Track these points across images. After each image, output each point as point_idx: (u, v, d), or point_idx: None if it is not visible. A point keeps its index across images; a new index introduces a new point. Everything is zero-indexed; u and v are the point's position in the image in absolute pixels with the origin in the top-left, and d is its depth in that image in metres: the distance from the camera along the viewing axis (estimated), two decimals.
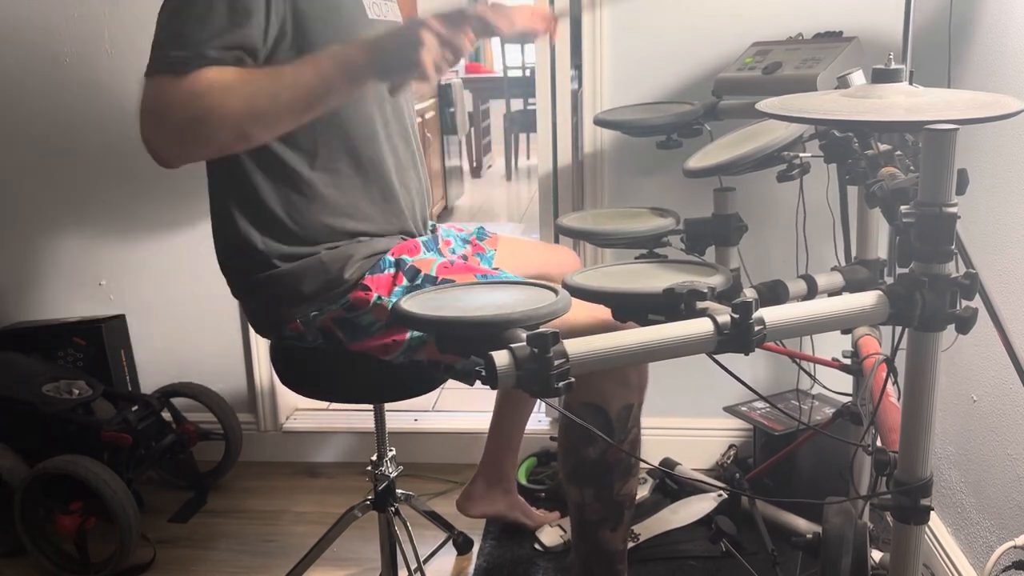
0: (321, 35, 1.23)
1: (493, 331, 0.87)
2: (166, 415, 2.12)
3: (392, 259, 1.32)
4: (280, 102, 1.13)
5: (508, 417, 1.88)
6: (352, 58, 1.13)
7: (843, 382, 1.76)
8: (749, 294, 1.22)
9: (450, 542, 1.92)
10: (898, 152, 1.19)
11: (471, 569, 1.85)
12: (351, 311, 1.30)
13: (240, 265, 1.34)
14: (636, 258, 1.45)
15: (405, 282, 1.30)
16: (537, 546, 1.88)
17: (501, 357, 0.81)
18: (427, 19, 1.11)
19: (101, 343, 2.17)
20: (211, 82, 1.11)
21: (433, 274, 1.30)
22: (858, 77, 1.33)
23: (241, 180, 1.28)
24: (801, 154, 1.45)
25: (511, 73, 6.24)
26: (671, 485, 2.06)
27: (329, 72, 1.13)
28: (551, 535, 1.89)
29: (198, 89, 1.10)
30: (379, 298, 1.28)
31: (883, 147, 1.20)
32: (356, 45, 1.14)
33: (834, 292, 1.46)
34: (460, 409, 2.43)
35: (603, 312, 1.05)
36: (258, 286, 1.32)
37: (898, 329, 1.02)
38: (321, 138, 1.28)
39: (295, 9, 1.20)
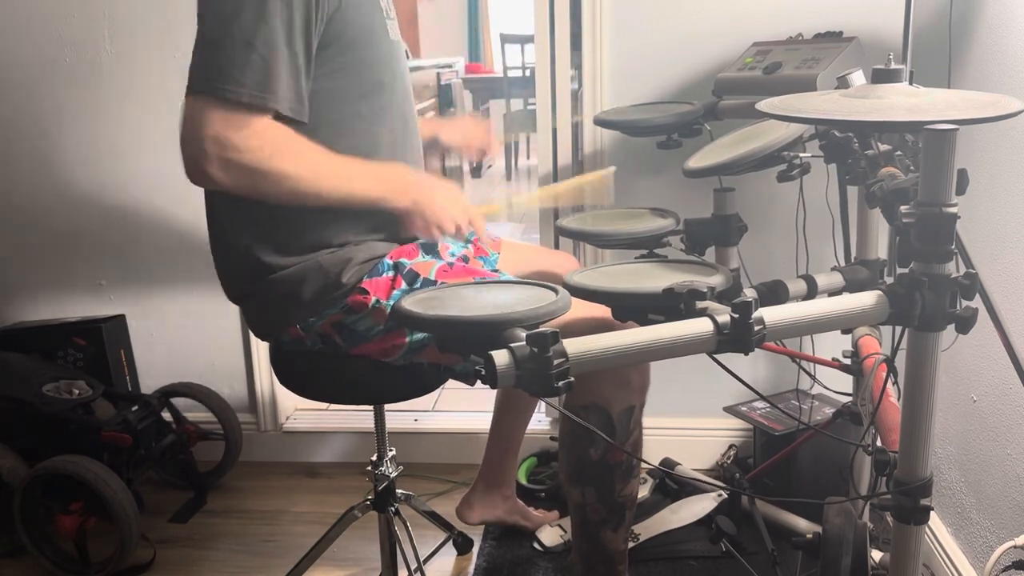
0: (353, 53, 1.25)
1: (493, 331, 0.87)
2: (166, 415, 2.12)
3: (391, 262, 1.32)
4: (333, 197, 1.23)
5: (507, 423, 1.87)
6: (396, 199, 1.27)
7: (843, 382, 1.76)
8: (749, 294, 1.22)
9: (450, 542, 1.92)
10: (898, 152, 1.19)
11: (471, 569, 1.85)
12: (350, 315, 1.29)
13: (238, 271, 1.33)
14: (636, 258, 1.45)
15: (404, 285, 1.30)
16: (537, 546, 1.88)
17: (501, 357, 0.81)
18: (463, 199, 1.31)
19: (101, 343, 2.17)
20: (289, 143, 1.17)
21: (432, 278, 1.30)
22: (858, 77, 1.33)
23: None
24: (801, 154, 1.45)
25: (511, 73, 6.24)
26: (671, 485, 2.06)
27: (387, 196, 1.27)
28: (551, 535, 1.89)
29: (279, 145, 1.16)
30: (377, 302, 1.28)
31: (883, 147, 1.20)
32: (407, 186, 1.28)
33: (834, 292, 1.47)
34: (460, 409, 2.43)
35: (603, 312, 1.05)
36: (256, 292, 1.31)
37: (898, 329, 1.02)
38: (323, 143, 1.27)
39: (337, 30, 1.22)
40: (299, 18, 1.15)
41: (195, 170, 1.16)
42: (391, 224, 1.37)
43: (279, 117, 1.17)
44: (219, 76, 1.13)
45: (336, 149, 1.25)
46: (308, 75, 1.20)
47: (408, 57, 1.45)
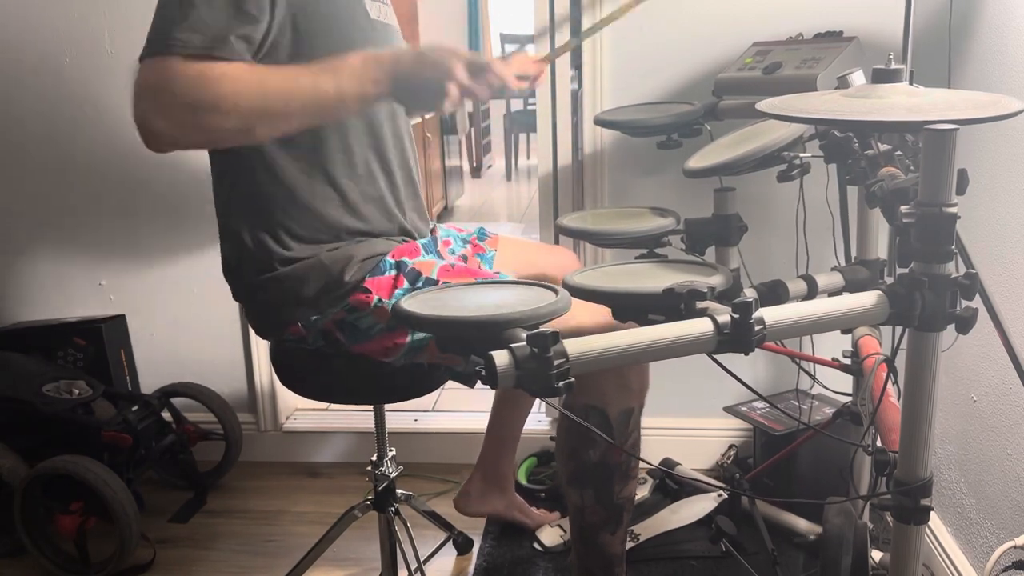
0: (322, 34, 1.23)
1: (493, 331, 0.87)
2: (166, 415, 2.12)
3: (392, 261, 1.32)
4: (292, 106, 1.13)
5: (506, 416, 1.88)
6: (375, 78, 1.13)
7: (843, 382, 1.76)
8: (749, 294, 1.22)
9: (450, 542, 1.92)
10: (898, 152, 1.19)
11: (471, 569, 1.85)
12: (352, 313, 1.30)
13: (243, 268, 1.34)
14: (636, 258, 1.45)
15: (406, 284, 1.30)
16: (537, 546, 1.88)
17: (501, 357, 0.81)
18: (454, 56, 1.12)
19: (101, 343, 2.17)
20: (224, 71, 1.10)
21: (434, 277, 1.30)
22: (858, 77, 1.33)
23: (243, 182, 1.29)
24: (801, 154, 1.45)
25: None
26: (671, 485, 2.06)
27: (348, 87, 1.13)
28: (551, 535, 1.89)
29: (211, 75, 1.09)
30: (380, 301, 1.28)
31: (883, 147, 1.20)
32: (381, 64, 1.13)
33: (834, 292, 1.46)
34: (460, 409, 2.43)
35: (603, 312, 1.05)
36: (259, 289, 1.32)
37: (898, 329, 1.02)
38: (322, 139, 1.28)
39: (297, 6, 1.20)
40: None
41: (143, 132, 1.12)
42: (392, 222, 1.37)
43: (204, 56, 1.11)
44: (156, 38, 1.11)
45: (313, 134, 1.23)
46: (258, 24, 1.15)
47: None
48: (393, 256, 1.32)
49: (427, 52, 1.15)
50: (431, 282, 1.30)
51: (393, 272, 1.31)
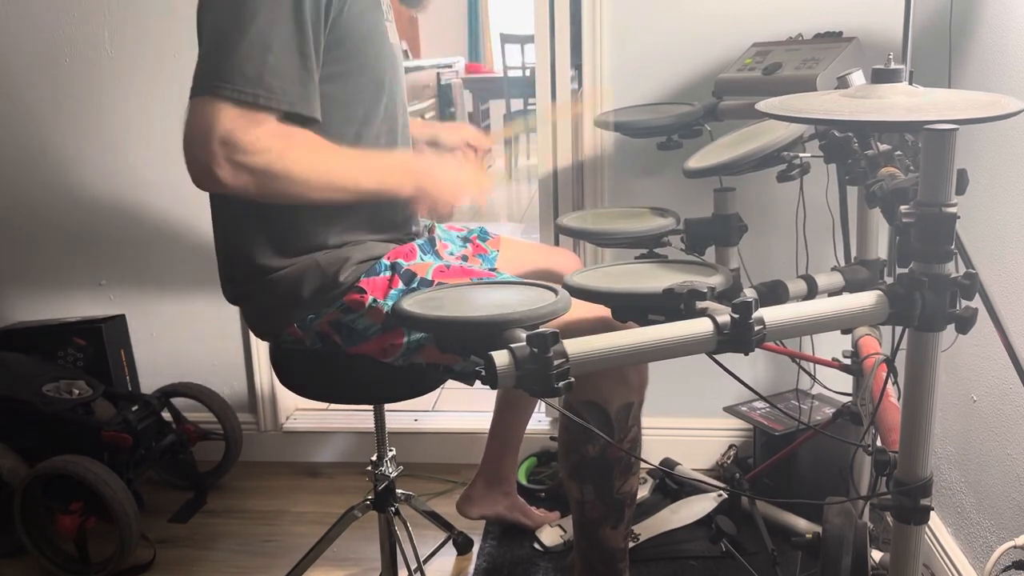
0: (355, 58, 1.25)
1: (493, 331, 0.87)
2: (166, 415, 2.12)
3: (388, 262, 1.32)
4: (343, 190, 1.22)
5: (508, 419, 1.88)
6: (402, 186, 1.28)
7: (843, 382, 1.76)
8: (749, 294, 1.22)
9: (450, 542, 1.92)
10: (898, 152, 1.19)
11: (471, 569, 1.85)
12: (347, 314, 1.30)
13: (238, 271, 1.34)
14: (636, 258, 1.45)
15: (401, 285, 1.30)
16: (537, 546, 1.88)
17: (501, 357, 0.81)
18: (469, 160, 1.35)
19: (101, 343, 2.17)
20: (303, 149, 1.16)
21: (429, 278, 1.30)
22: (858, 77, 1.33)
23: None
24: (801, 154, 1.45)
25: (511, 73, 6.24)
26: (671, 485, 2.06)
27: (387, 184, 1.26)
28: (551, 535, 1.89)
29: (292, 148, 1.15)
30: (374, 301, 1.28)
31: (883, 147, 1.20)
32: (411, 174, 1.29)
33: (834, 292, 1.47)
34: (460, 409, 2.43)
35: (603, 312, 1.05)
36: (255, 291, 1.32)
37: (898, 329, 1.02)
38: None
39: (342, 33, 1.22)
40: (309, 18, 1.15)
41: (202, 173, 1.12)
42: (389, 224, 1.37)
43: (289, 118, 1.16)
44: (229, 76, 1.10)
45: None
46: (317, 73, 1.19)
47: (408, 57, 1.46)
48: (389, 258, 1.33)
49: (453, 171, 1.36)
50: (426, 283, 1.30)
51: (388, 273, 1.31)
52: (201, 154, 1.11)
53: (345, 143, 1.25)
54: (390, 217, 1.37)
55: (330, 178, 1.20)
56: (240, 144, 1.10)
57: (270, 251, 1.29)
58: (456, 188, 1.32)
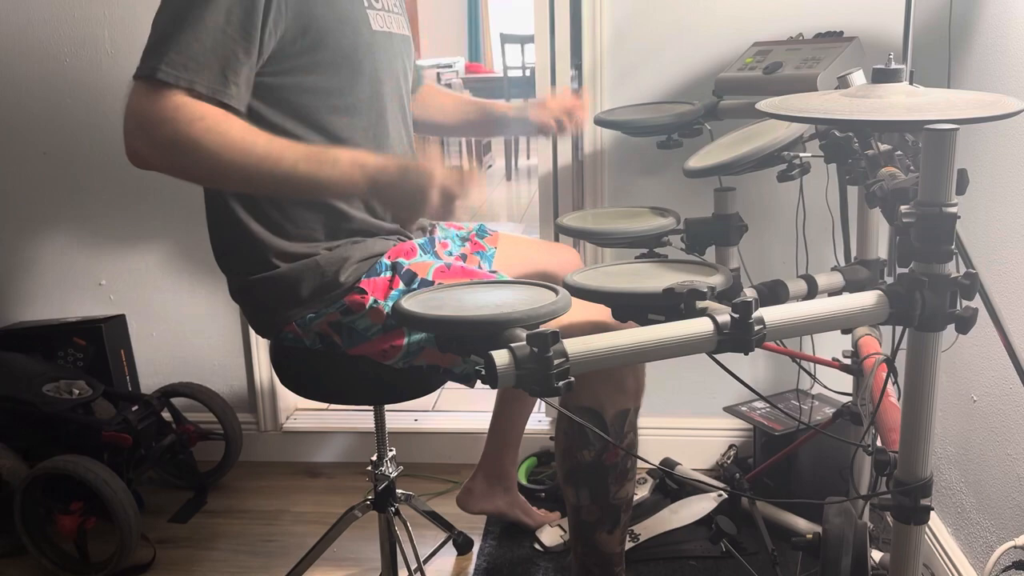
0: (323, 48, 1.24)
1: (493, 330, 0.87)
2: (166, 415, 2.12)
3: (388, 262, 1.32)
4: (264, 178, 1.16)
5: (508, 414, 1.88)
6: (354, 181, 1.17)
7: (843, 382, 1.76)
8: (749, 294, 1.22)
9: (450, 542, 1.92)
10: (898, 152, 1.19)
11: (471, 569, 1.85)
12: (347, 315, 1.29)
13: (238, 264, 1.34)
14: (636, 258, 1.45)
15: (401, 285, 1.30)
16: (537, 546, 1.88)
17: (501, 356, 0.81)
18: (436, 174, 1.17)
19: (101, 343, 2.17)
20: (215, 125, 1.13)
21: (429, 278, 1.30)
22: (858, 77, 1.34)
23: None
24: (801, 154, 1.45)
25: (511, 73, 6.25)
26: (671, 485, 2.06)
27: (328, 180, 1.17)
28: (551, 535, 1.89)
29: (202, 125, 1.12)
30: (375, 302, 1.28)
31: (883, 147, 1.20)
32: (364, 168, 1.17)
33: (834, 292, 1.47)
34: (460, 409, 2.43)
35: (603, 312, 1.05)
36: (255, 287, 1.32)
37: (898, 329, 1.02)
38: (293, 136, 1.27)
39: (298, 23, 1.21)
40: (239, 7, 1.15)
41: (128, 149, 1.16)
42: (390, 223, 1.37)
43: (205, 98, 1.15)
44: (149, 57, 1.14)
45: (308, 142, 1.24)
46: (245, 61, 1.17)
47: None
48: (389, 257, 1.32)
49: (411, 170, 1.19)
50: (426, 283, 1.30)
51: (389, 273, 1.31)
52: (125, 132, 1.15)
53: (316, 136, 1.25)
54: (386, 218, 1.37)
55: (251, 157, 1.14)
56: (146, 114, 1.13)
57: (270, 246, 1.29)
58: (420, 197, 1.18)
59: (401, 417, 2.32)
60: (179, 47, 1.12)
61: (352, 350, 1.31)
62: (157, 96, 1.12)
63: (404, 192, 1.18)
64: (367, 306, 1.28)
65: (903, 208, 0.94)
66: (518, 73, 6.28)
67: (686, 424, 2.18)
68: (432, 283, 1.29)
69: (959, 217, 0.92)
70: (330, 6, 1.25)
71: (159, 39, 1.14)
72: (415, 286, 1.29)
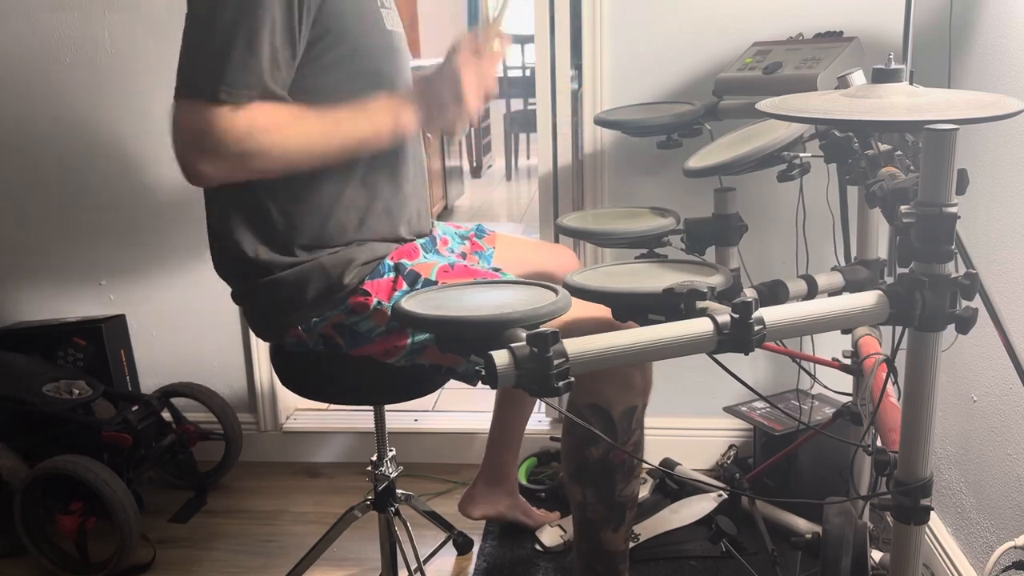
0: (346, 43, 1.25)
1: (493, 331, 0.87)
2: (166, 415, 2.12)
3: (392, 263, 1.32)
4: (332, 145, 1.22)
5: (508, 418, 1.88)
6: (402, 115, 1.25)
7: (843, 382, 1.76)
8: (749, 294, 1.22)
9: (450, 542, 1.92)
10: (898, 152, 1.19)
11: (471, 569, 1.85)
12: (351, 316, 1.29)
13: (240, 271, 1.33)
14: (636, 258, 1.45)
15: (405, 286, 1.30)
16: (537, 546, 1.88)
17: (501, 357, 0.81)
18: (461, 63, 1.22)
19: (101, 343, 2.17)
20: (270, 121, 1.16)
21: (433, 278, 1.30)
22: (858, 77, 1.33)
23: (241, 188, 1.28)
24: (801, 154, 1.45)
25: (511, 73, 6.24)
26: (671, 485, 2.06)
27: (381, 126, 1.24)
28: (551, 535, 1.89)
29: (259, 126, 1.15)
30: (379, 303, 1.28)
31: (883, 147, 1.20)
32: (405, 101, 1.26)
33: (834, 292, 1.47)
34: (460, 409, 2.43)
35: (603, 312, 1.05)
36: (258, 291, 1.31)
37: (898, 329, 1.02)
38: None
39: (323, 24, 1.22)
40: (278, 10, 1.15)
41: (188, 172, 1.18)
42: (395, 224, 1.37)
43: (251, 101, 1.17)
44: (195, 75, 1.15)
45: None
46: (291, 63, 1.20)
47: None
48: (392, 258, 1.32)
49: (438, 80, 1.27)
50: (430, 283, 1.30)
51: (392, 275, 1.31)
52: (182, 152, 1.17)
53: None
54: (392, 217, 1.37)
55: (312, 138, 1.21)
56: (207, 139, 1.14)
57: (273, 252, 1.29)
58: (460, 97, 1.24)
59: (401, 417, 2.32)
60: (236, 64, 1.13)
61: (355, 351, 1.31)
62: (209, 115, 1.14)
63: (448, 105, 1.25)
64: (371, 308, 1.28)
65: (903, 208, 0.94)
66: (518, 73, 6.27)
67: (686, 424, 2.18)
68: (436, 283, 1.29)
69: (959, 217, 0.92)
70: (351, 3, 1.26)
71: (202, 53, 1.15)
72: (419, 287, 1.29)
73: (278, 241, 1.29)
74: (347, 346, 1.31)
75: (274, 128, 1.17)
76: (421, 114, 1.27)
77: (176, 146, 1.17)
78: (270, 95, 1.17)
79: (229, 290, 1.40)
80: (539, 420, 2.27)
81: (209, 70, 1.14)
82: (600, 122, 1.85)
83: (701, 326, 0.89)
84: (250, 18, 1.14)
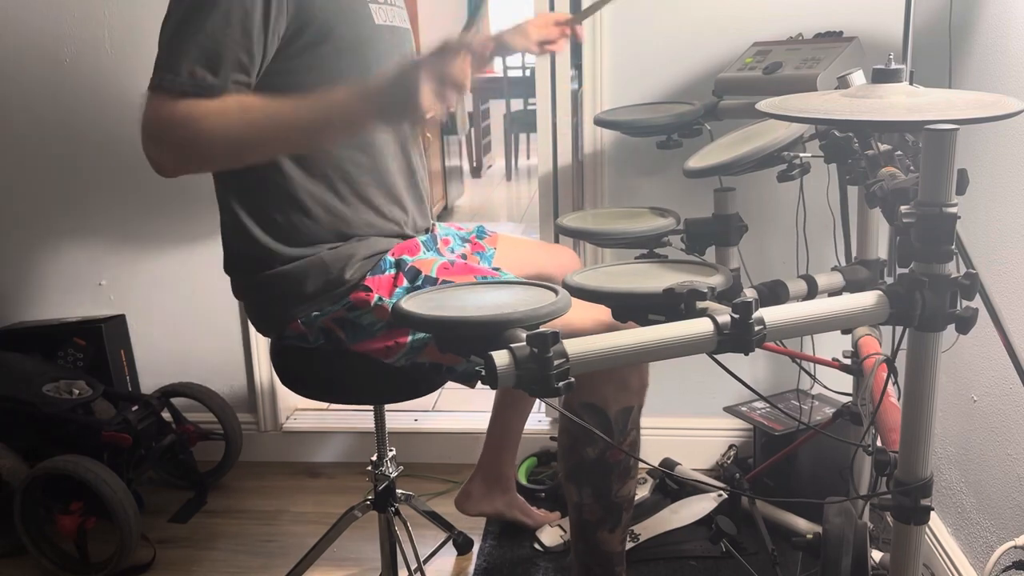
0: (326, 42, 1.24)
1: (493, 331, 0.87)
2: (166, 415, 2.12)
3: (392, 259, 1.32)
4: (277, 135, 1.17)
5: (507, 415, 1.88)
6: (351, 107, 1.14)
7: (843, 382, 1.76)
8: (749, 294, 1.22)
9: (450, 542, 1.92)
10: (898, 152, 1.19)
11: (471, 569, 1.85)
12: (352, 311, 1.30)
13: (244, 264, 1.34)
14: (636, 258, 1.45)
15: (406, 283, 1.30)
16: (537, 546, 1.88)
17: (501, 357, 0.81)
18: (421, 59, 1.11)
19: (101, 343, 2.17)
20: (210, 108, 1.14)
21: (433, 275, 1.31)
22: (858, 77, 1.33)
23: (245, 181, 1.29)
24: (801, 154, 1.45)
25: (511, 73, 6.24)
26: (671, 485, 2.06)
27: (328, 117, 1.15)
28: (551, 535, 1.89)
29: (196, 113, 1.14)
30: (380, 299, 1.28)
31: (883, 147, 1.20)
32: (355, 93, 1.14)
33: (834, 292, 1.47)
34: (460, 409, 2.43)
35: (603, 312, 1.05)
36: (260, 285, 1.32)
37: (898, 329, 1.02)
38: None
39: (300, 19, 1.21)
40: (237, 8, 1.15)
41: (150, 162, 1.17)
42: (395, 219, 1.37)
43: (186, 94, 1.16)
44: (157, 70, 1.15)
45: None
46: (249, 61, 1.18)
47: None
48: (393, 254, 1.33)
49: (396, 67, 1.14)
50: (430, 280, 1.30)
51: (393, 271, 1.31)
52: (143, 145, 1.16)
53: None
54: (392, 216, 1.37)
55: (252, 127, 1.15)
56: (151, 128, 1.15)
57: (276, 246, 1.29)
58: (427, 82, 1.09)
59: (401, 417, 2.32)
60: (183, 55, 1.14)
61: (355, 346, 1.31)
62: (163, 106, 1.14)
63: (400, 96, 1.11)
64: (372, 303, 1.29)
65: (903, 208, 0.94)
66: (518, 73, 6.27)
67: (686, 424, 2.18)
68: (436, 280, 1.30)
69: (959, 217, 0.92)
70: (332, 0, 1.25)
71: (164, 50, 1.16)
72: (419, 283, 1.30)
73: (279, 236, 1.29)
74: (348, 340, 1.31)
75: (213, 114, 1.14)
76: (373, 112, 1.15)
77: (141, 139, 1.17)
78: (217, 84, 1.15)
79: (229, 290, 1.40)
80: (539, 420, 2.27)
81: (159, 59, 1.15)
82: (600, 122, 1.85)
83: (701, 326, 0.89)
84: (201, 8, 1.14)
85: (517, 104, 6.26)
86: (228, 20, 1.15)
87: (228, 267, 1.38)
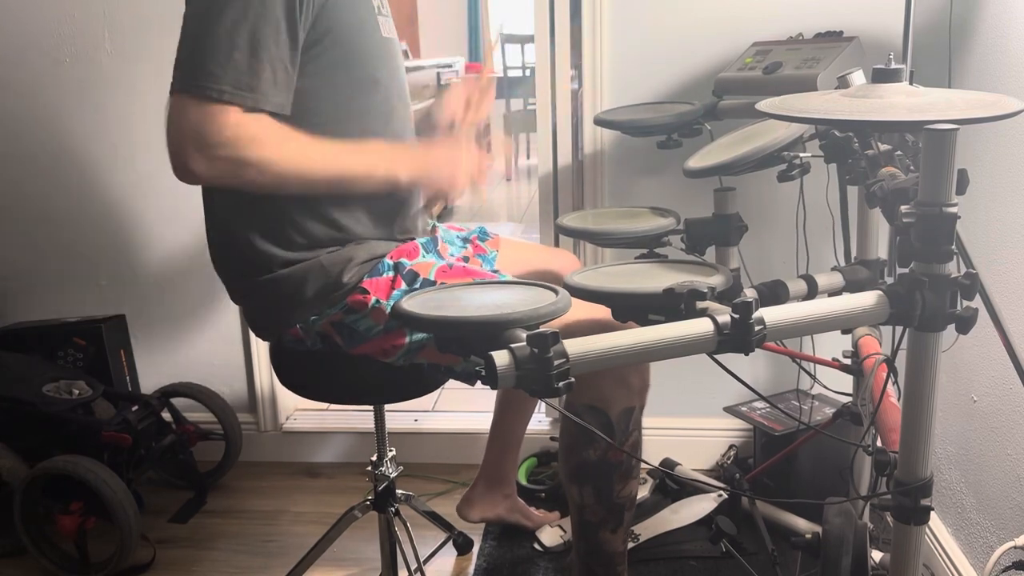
0: (343, 47, 1.25)
1: (493, 331, 0.87)
2: (166, 415, 2.12)
3: (391, 262, 1.32)
4: (324, 175, 1.23)
5: (508, 421, 1.88)
6: (395, 174, 1.28)
7: (843, 382, 1.76)
8: (749, 294, 1.22)
9: (450, 542, 1.92)
10: (898, 152, 1.19)
11: (471, 569, 1.85)
12: (350, 315, 1.29)
13: (239, 269, 1.33)
14: (636, 258, 1.45)
15: (404, 286, 1.30)
16: (537, 546, 1.88)
17: (501, 357, 0.81)
18: (464, 147, 1.34)
19: (101, 343, 2.17)
20: (268, 134, 1.16)
21: (432, 278, 1.30)
22: (858, 77, 1.33)
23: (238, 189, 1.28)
24: (801, 154, 1.45)
25: (511, 73, 6.24)
26: (671, 485, 2.06)
27: (375, 168, 1.27)
28: (551, 535, 1.89)
29: (257, 137, 1.15)
30: (377, 302, 1.28)
31: (883, 147, 1.20)
32: (403, 161, 1.30)
33: (834, 292, 1.47)
34: (460, 409, 2.43)
35: (603, 312, 1.05)
36: (257, 290, 1.31)
37: (898, 329, 1.02)
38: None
39: (326, 26, 1.22)
40: (283, 14, 1.15)
41: (180, 167, 1.17)
42: (392, 223, 1.37)
43: (259, 111, 1.17)
44: (198, 73, 1.13)
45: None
46: (293, 69, 1.19)
47: (408, 57, 1.46)
48: (392, 257, 1.32)
49: (450, 153, 1.36)
50: (428, 283, 1.30)
51: (391, 273, 1.31)
52: (176, 149, 1.16)
53: (333, 139, 1.25)
54: (395, 215, 1.37)
55: (306, 162, 1.21)
56: (207, 137, 1.14)
57: (274, 252, 1.29)
58: (456, 169, 1.34)
59: (401, 417, 2.32)
60: (232, 62, 1.13)
61: (353, 350, 1.31)
62: (211, 115, 1.13)
63: (441, 180, 1.34)
64: (369, 306, 1.28)
65: (903, 208, 0.94)
66: (518, 73, 6.27)
67: (686, 424, 2.18)
68: (435, 283, 1.29)
69: (959, 217, 0.92)
70: (349, 9, 1.26)
71: (206, 51, 1.14)
72: (417, 286, 1.29)
73: (277, 240, 1.29)
74: (345, 345, 1.31)
75: (272, 144, 1.17)
76: (413, 182, 1.32)
77: (171, 141, 1.16)
78: (270, 102, 1.16)
79: (229, 295, 1.40)
80: (539, 420, 2.27)
81: (211, 69, 1.13)
82: (600, 122, 1.85)
83: (701, 326, 0.89)
84: (253, 19, 1.13)
85: (517, 104, 6.26)
86: (279, 26, 1.15)
87: (220, 270, 1.38)
